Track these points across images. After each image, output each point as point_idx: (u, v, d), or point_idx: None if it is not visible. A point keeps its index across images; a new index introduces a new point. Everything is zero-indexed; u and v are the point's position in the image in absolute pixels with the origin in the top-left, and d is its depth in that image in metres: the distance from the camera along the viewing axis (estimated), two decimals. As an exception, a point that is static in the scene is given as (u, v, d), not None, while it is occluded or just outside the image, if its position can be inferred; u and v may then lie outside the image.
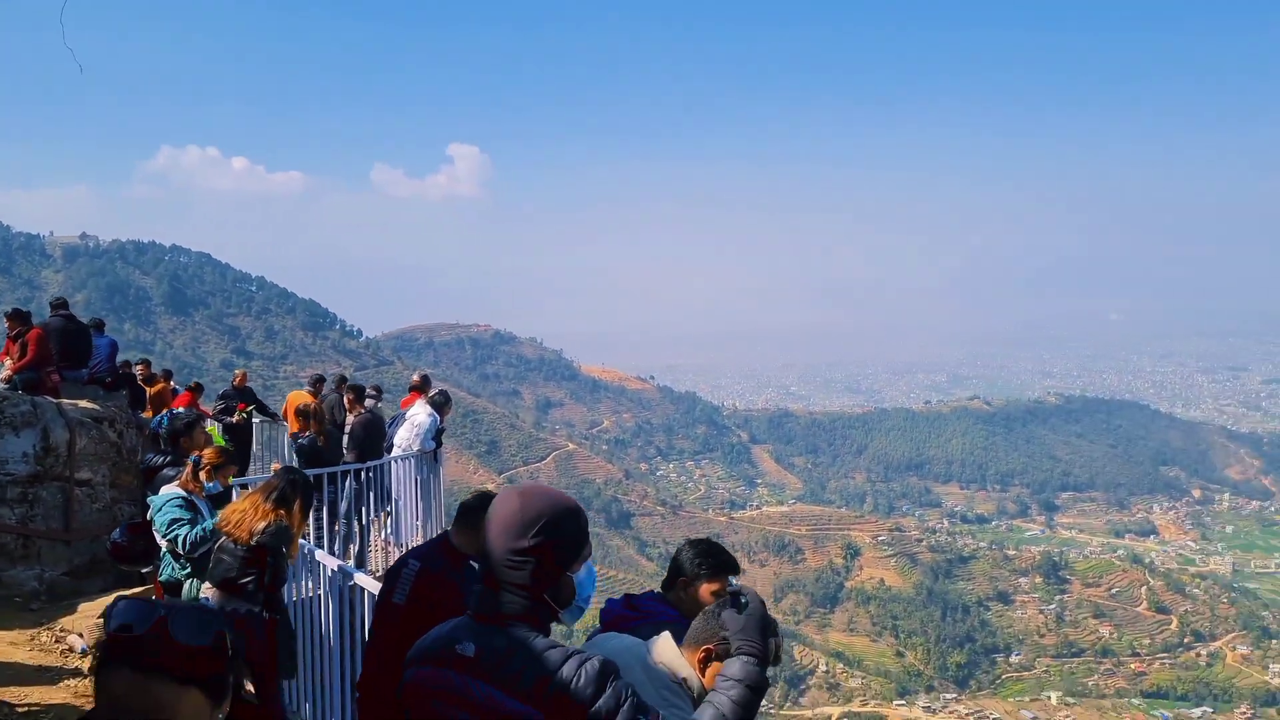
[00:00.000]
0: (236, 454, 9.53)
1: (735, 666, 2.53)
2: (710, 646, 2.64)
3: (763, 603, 2.70)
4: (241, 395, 15.25)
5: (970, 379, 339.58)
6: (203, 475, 6.56)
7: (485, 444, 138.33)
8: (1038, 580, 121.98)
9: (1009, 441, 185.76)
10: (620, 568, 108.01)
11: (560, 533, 2.36)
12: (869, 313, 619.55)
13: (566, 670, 2.23)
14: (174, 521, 6.24)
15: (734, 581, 2.99)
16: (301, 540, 6.44)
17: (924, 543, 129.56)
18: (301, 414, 11.20)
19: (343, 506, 10.56)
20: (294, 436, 13.93)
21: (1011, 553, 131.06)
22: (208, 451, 6.84)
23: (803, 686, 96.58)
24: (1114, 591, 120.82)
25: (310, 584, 6.82)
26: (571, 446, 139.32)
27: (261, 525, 5.67)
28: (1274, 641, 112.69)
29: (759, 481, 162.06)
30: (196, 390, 15.19)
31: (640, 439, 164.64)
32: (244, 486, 8.07)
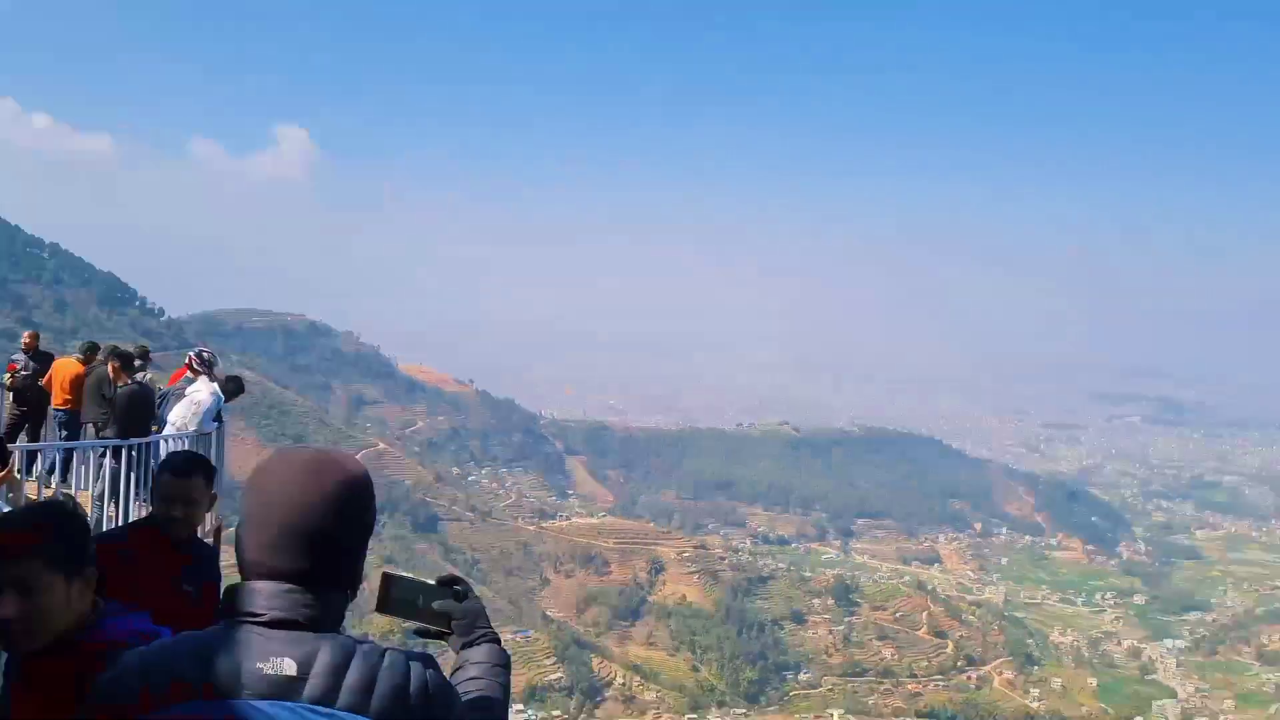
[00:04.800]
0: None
1: (485, 652, 2.37)
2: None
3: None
4: (37, 360, 13.62)
5: (782, 404, 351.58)
6: None
7: (290, 438, 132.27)
8: (830, 602, 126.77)
9: (813, 467, 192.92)
10: (425, 572, 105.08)
11: (369, 505, 1.98)
12: (692, 332, 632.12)
13: (424, 677, 1.87)
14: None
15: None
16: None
17: (726, 561, 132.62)
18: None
19: (97, 488, 9.54)
20: (57, 409, 12.72)
21: (808, 574, 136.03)
22: None
23: (600, 699, 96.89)
24: (898, 615, 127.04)
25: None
26: (382, 446, 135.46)
27: None
28: (1036, 668, 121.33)
29: (571, 493, 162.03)
30: None
31: (455, 443, 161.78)
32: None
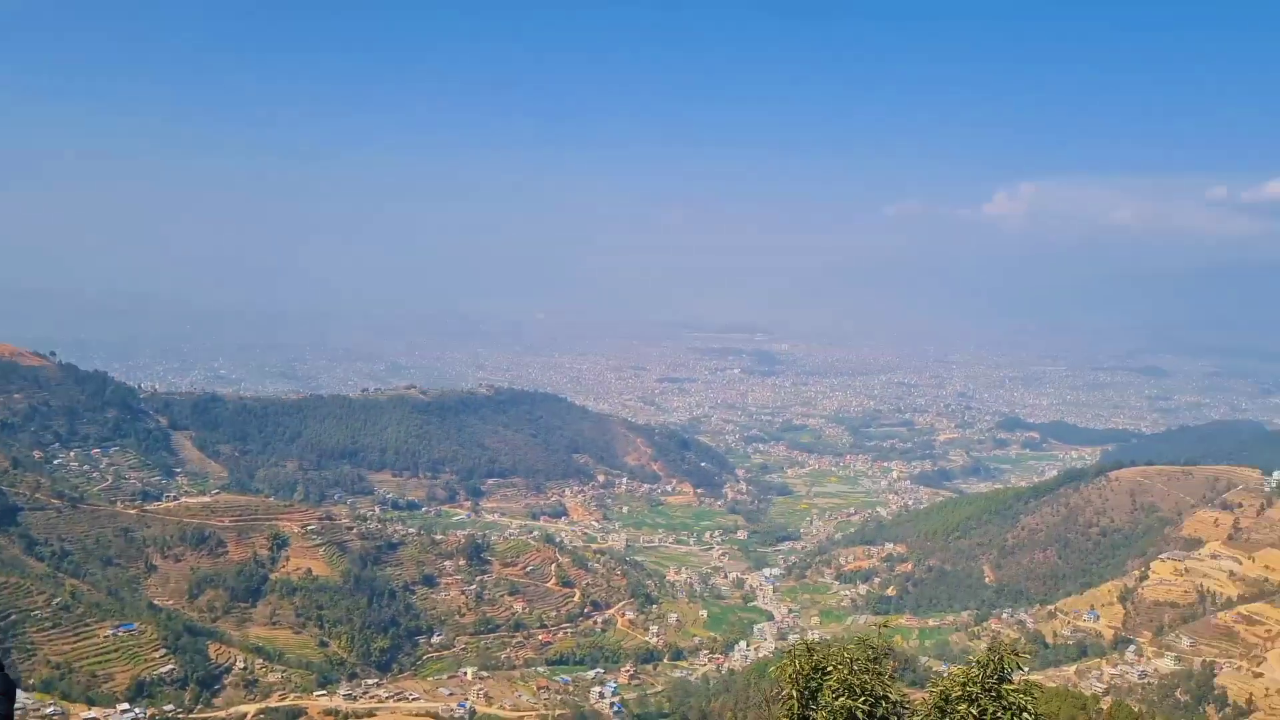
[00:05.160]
0: None
1: None
2: None
3: None
4: None
5: (409, 369, 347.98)
6: None
7: None
8: (462, 563, 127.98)
9: (442, 430, 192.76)
10: (4, 571, 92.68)
11: None
12: (310, 298, 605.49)
13: None
14: None
15: None
16: None
17: (354, 530, 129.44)
18: None
19: None
20: None
21: (439, 537, 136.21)
22: None
23: (218, 686, 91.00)
24: (529, 569, 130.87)
25: None
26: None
27: None
28: (655, 606, 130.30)
29: (179, 471, 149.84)
30: None
31: (34, 423, 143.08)
32: None
